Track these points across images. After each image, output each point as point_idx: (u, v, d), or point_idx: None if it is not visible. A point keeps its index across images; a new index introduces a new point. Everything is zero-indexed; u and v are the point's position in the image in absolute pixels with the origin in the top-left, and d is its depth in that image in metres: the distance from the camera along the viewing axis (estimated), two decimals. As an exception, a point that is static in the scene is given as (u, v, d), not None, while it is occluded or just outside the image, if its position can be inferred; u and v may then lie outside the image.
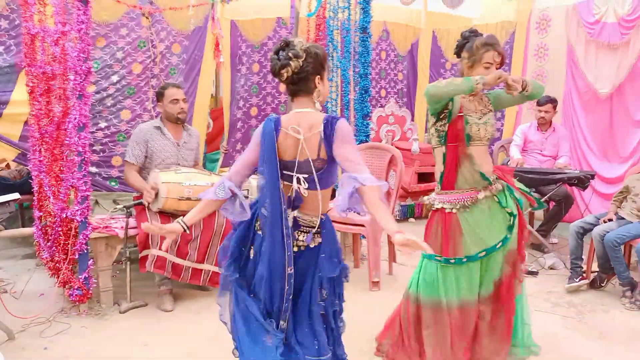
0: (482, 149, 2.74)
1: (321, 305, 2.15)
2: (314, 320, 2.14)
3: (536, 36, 6.07)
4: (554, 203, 5.10)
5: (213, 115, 5.96)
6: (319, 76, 2.12)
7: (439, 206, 2.72)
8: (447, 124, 2.66)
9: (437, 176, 2.77)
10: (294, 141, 2.10)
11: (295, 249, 2.13)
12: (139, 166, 3.93)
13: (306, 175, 2.10)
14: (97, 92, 4.68)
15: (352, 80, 5.10)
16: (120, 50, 4.75)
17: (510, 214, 2.74)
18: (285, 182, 2.13)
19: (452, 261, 2.66)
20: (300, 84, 2.12)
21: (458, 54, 2.79)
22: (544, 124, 5.27)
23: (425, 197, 2.87)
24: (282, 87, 2.17)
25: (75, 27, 3.41)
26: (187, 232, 2.22)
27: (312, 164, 2.09)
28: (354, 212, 2.04)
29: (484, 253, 2.68)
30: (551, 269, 4.66)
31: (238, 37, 5.57)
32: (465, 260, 2.66)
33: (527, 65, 6.14)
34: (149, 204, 3.69)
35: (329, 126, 2.07)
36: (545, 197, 4.86)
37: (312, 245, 2.16)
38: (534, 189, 4.99)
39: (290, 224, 2.10)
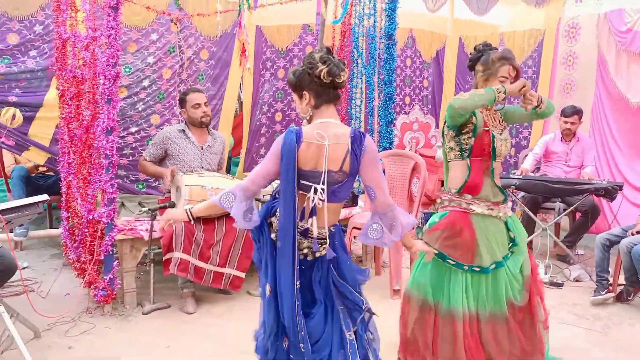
0: (499, 165, 2.76)
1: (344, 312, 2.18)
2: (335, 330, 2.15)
3: (565, 44, 5.99)
4: (580, 214, 5.02)
5: (236, 121, 6.02)
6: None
7: (460, 206, 2.69)
8: (474, 138, 2.65)
9: (457, 184, 2.72)
10: (317, 150, 2.08)
11: (301, 257, 2.13)
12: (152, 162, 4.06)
13: (324, 187, 2.09)
14: (129, 97, 4.77)
15: (377, 86, 5.10)
16: (151, 55, 4.85)
17: (512, 239, 2.76)
18: (302, 192, 2.12)
19: (465, 268, 2.64)
20: (338, 92, 2.14)
21: (472, 67, 2.78)
22: (569, 135, 5.19)
23: (440, 200, 2.81)
24: (303, 102, 2.13)
25: (105, 33, 3.48)
26: (192, 222, 2.25)
27: (333, 175, 2.09)
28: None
29: (494, 265, 2.67)
30: (576, 280, 4.59)
31: (263, 42, 5.62)
32: (478, 270, 2.65)
33: (556, 74, 6.06)
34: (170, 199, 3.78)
35: (358, 141, 2.09)
36: (572, 207, 4.79)
37: (318, 255, 2.16)
38: (560, 199, 4.93)
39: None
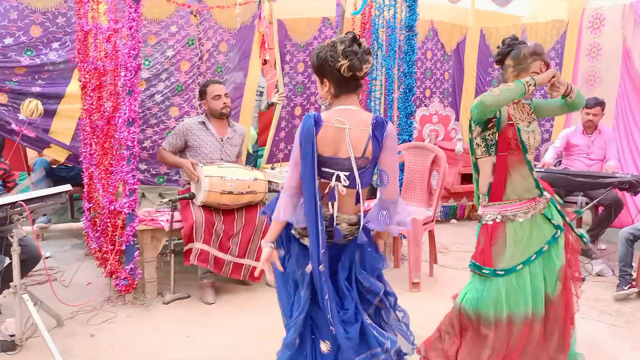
0: (530, 157, 2.68)
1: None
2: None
3: (589, 35, 5.88)
4: (602, 208, 4.94)
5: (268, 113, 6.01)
6: None
7: (489, 220, 2.65)
8: (497, 133, 2.61)
9: (484, 188, 2.68)
10: (336, 135, 2.06)
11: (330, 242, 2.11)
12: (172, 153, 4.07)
13: (347, 173, 2.07)
14: (147, 89, 4.80)
15: (397, 78, 5.07)
16: (170, 48, 4.85)
17: (557, 226, 2.67)
18: (323, 180, 2.10)
19: (500, 272, 2.60)
20: (360, 81, 2.10)
21: (501, 61, 2.71)
22: (590, 127, 5.11)
23: (479, 213, 2.76)
24: (324, 88, 2.11)
25: (126, 25, 3.50)
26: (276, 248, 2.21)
27: (355, 161, 2.06)
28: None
29: (520, 266, 2.61)
30: (599, 275, 4.52)
31: (283, 35, 5.61)
32: (502, 273, 2.60)
33: (579, 66, 5.96)
34: (193, 195, 3.80)
35: (380, 127, 2.06)
36: (594, 201, 4.72)
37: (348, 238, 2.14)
38: (582, 193, 4.85)
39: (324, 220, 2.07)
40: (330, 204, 2.10)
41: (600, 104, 5.03)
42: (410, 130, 5.02)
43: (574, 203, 4.99)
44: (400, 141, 4.94)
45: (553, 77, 2.53)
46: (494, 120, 2.60)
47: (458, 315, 2.71)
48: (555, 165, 5.25)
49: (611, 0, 5.69)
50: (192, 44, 4.96)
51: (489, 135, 2.62)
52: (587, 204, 4.81)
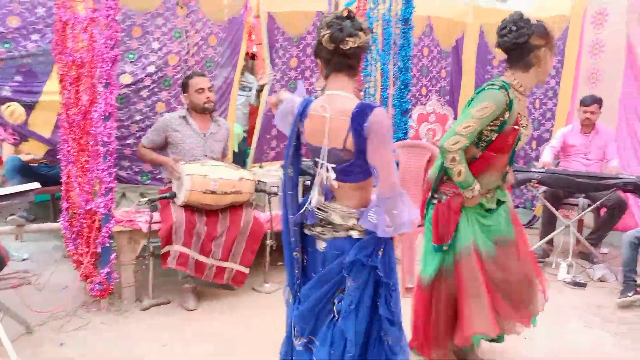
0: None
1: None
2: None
3: (591, 32, 5.69)
4: (605, 210, 4.74)
5: (250, 109, 5.84)
6: (363, 54, 1.97)
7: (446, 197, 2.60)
8: (497, 134, 2.44)
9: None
10: (320, 123, 1.92)
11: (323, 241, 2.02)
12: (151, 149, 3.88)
13: (334, 165, 1.93)
14: (133, 84, 4.59)
15: (392, 74, 4.88)
16: (156, 40, 4.64)
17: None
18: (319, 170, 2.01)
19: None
20: (352, 59, 1.93)
21: (525, 42, 2.57)
22: (589, 125, 4.92)
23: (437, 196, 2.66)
24: (319, 69, 2.01)
25: (103, 14, 3.31)
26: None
27: (338, 153, 1.91)
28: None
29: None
30: (601, 281, 4.33)
31: (275, 29, 5.41)
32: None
33: (581, 63, 5.77)
34: (174, 194, 3.60)
35: (361, 116, 1.83)
36: (597, 203, 4.52)
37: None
38: (583, 194, 4.66)
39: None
40: (315, 193, 2.00)
41: (597, 101, 4.85)
42: (406, 128, 4.83)
43: (575, 205, 4.80)
44: (395, 139, 4.74)
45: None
46: (497, 121, 2.41)
47: (430, 292, 2.63)
48: (555, 166, 5.06)
49: (615, -5, 5.51)
50: (180, 36, 4.76)
51: (486, 132, 2.45)
52: (589, 206, 4.62)
